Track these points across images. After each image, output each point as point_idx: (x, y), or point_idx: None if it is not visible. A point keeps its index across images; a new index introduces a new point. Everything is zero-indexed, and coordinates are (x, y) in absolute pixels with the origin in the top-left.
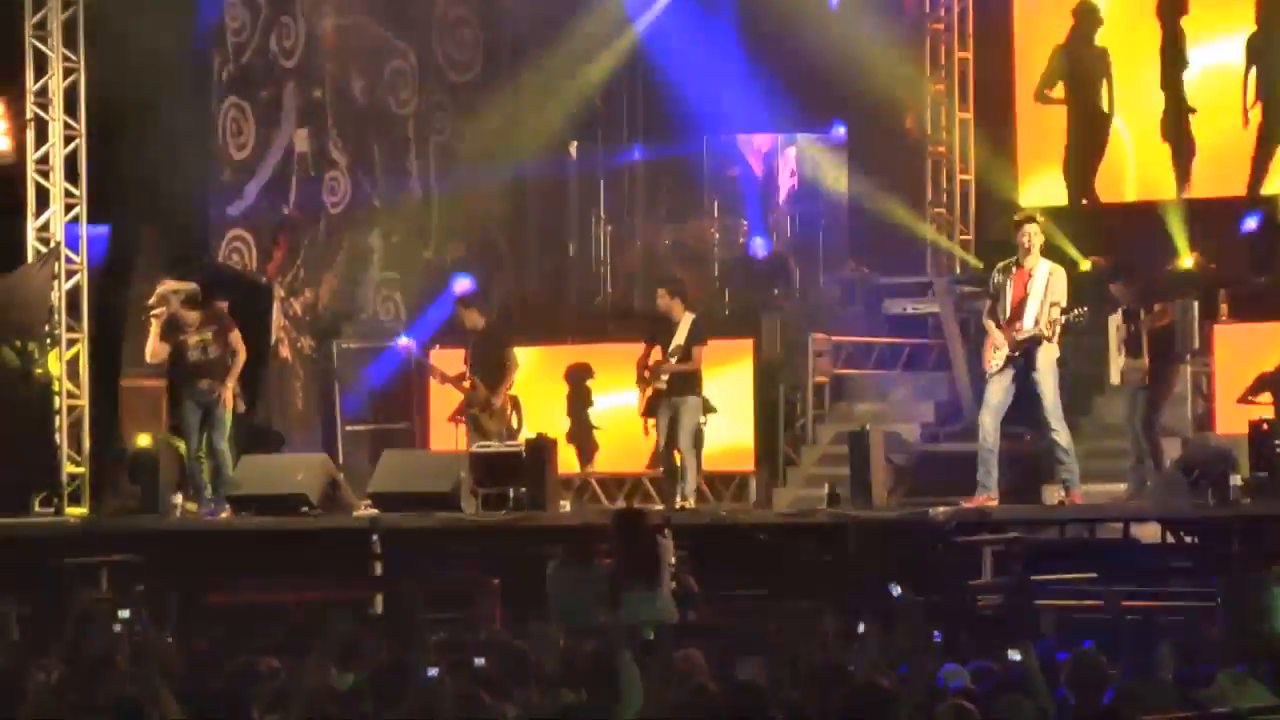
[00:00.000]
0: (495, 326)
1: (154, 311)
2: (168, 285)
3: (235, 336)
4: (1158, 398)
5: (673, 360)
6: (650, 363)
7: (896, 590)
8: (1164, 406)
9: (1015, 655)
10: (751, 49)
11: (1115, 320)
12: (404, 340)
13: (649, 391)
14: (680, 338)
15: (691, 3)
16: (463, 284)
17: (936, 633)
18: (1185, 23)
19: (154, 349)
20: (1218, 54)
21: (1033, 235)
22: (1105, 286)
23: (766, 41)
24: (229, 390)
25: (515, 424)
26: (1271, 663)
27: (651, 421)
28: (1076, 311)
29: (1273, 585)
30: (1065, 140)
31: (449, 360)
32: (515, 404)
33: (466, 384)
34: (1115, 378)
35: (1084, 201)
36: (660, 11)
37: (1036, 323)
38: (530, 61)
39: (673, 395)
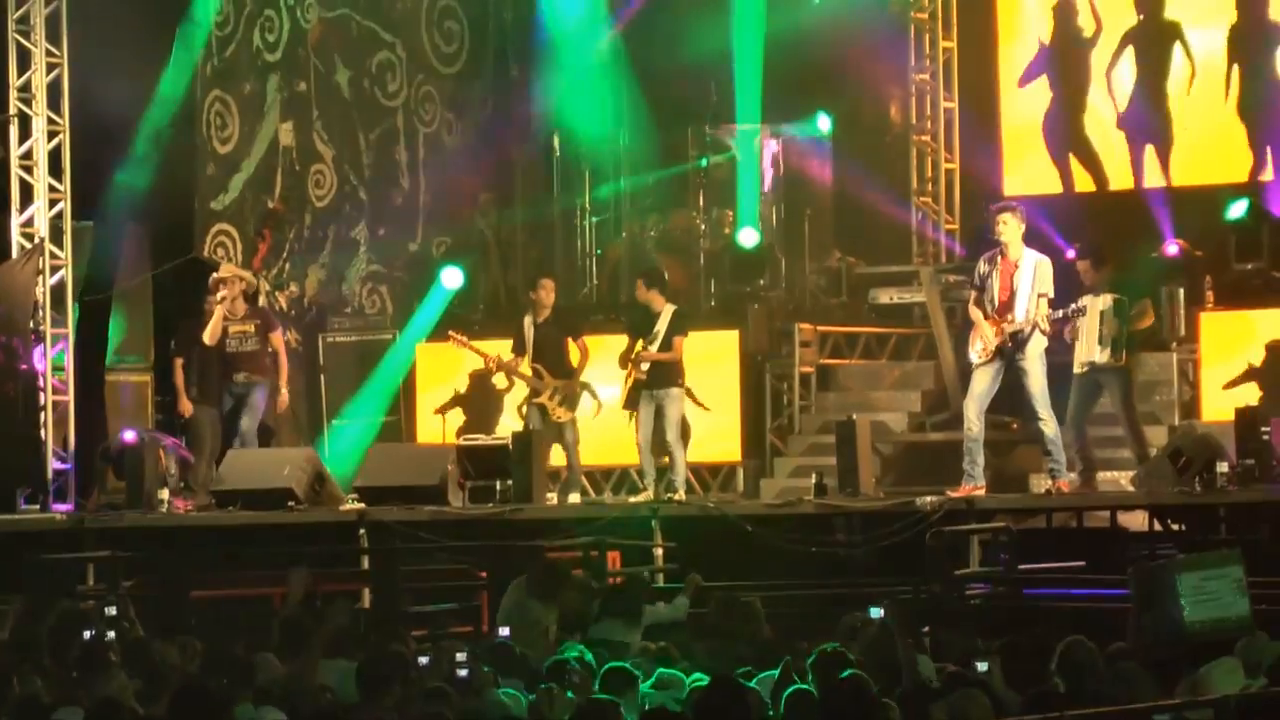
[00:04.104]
0: (563, 310)
1: (220, 294)
2: (231, 269)
3: (278, 338)
4: (1131, 386)
5: (653, 349)
6: (632, 355)
7: (878, 612)
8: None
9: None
10: (736, 40)
11: (1095, 304)
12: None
13: (630, 382)
14: (660, 327)
15: None
16: (452, 275)
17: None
18: (1167, 12)
19: (215, 331)
20: (1200, 43)
21: (1006, 223)
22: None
23: (751, 32)
24: (286, 394)
25: (596, 409)
26: (1184, 651)
27: (634, 414)
28: (1075, 307)
29: (1178, 573)
30: (1047, 130)
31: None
32: (589, 389)
33: (526, 370)
34: (1083, 363)
35: (1070, 190)
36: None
37: (1027, 315)
38: (516, 52)
39: (654, 387)
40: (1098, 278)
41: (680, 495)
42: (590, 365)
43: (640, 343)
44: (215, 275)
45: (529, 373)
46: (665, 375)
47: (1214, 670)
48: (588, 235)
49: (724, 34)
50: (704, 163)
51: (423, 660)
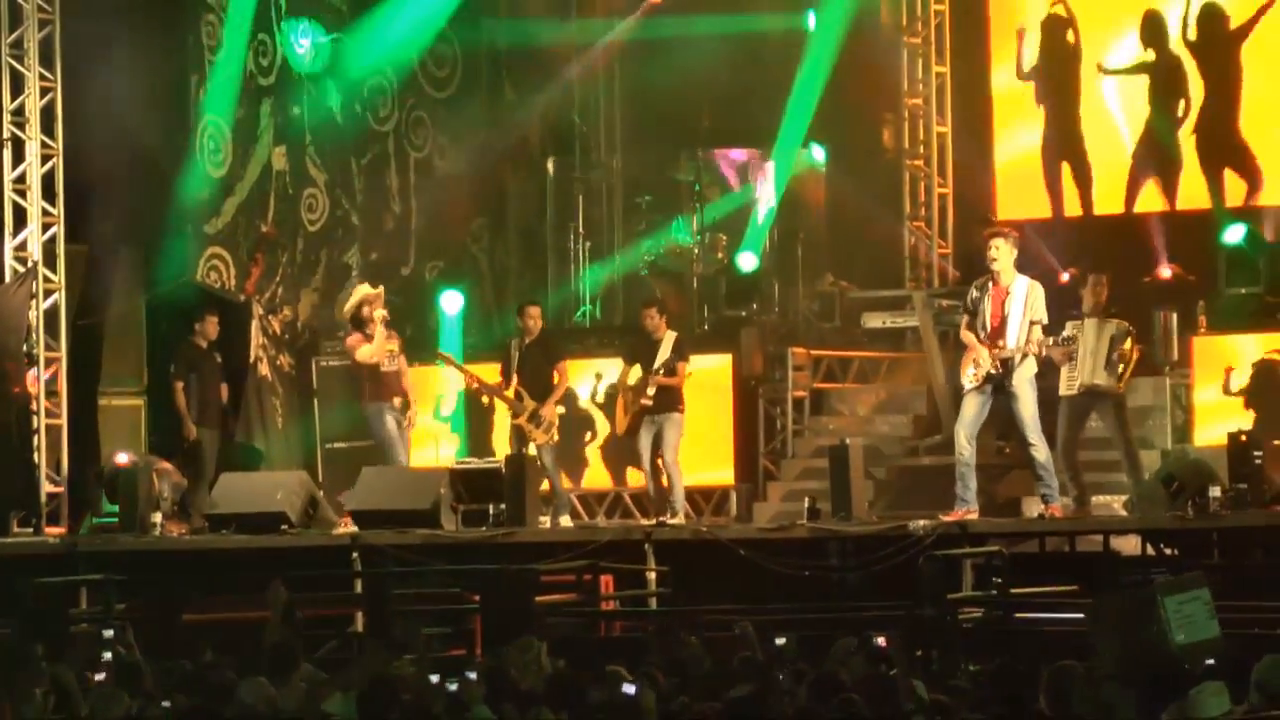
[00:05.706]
0: (548, 336)
1: (379, 313)
2: (368, 290)
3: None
4: (1126, 411)
5: (659, 374)
6: (630, 381)
7: (880, 641)
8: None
9: None
10: (729, 66)
11: (1105, 329)
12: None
13: (636, 408)
14: (665, 353)
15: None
16: (451, 299)
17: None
18: (1168, 40)
19: (379, 351)
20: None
21: (998, 249)
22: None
23: (744, 59)
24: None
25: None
26: (1165, 677)
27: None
28: (1065, 335)
29: (1163, 597)
30: (1045, 153)
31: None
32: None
33: (510, 393)
34: (1078, 385)
35: (1062, 214)
36: (638, 27)
37: (1018, 341)
38: (508, 78)
39: (656, 412)
40: (1097, 302)
41: (680, 519)
42: (579, 386)
43: (639, 369)
44: (365, 294)
45: (511, 395)
46: (667, 400)
47: (1201, 693)
48: (581, 259)
49: (715, 57)
50: (698, 188)
51: (424, 684)
